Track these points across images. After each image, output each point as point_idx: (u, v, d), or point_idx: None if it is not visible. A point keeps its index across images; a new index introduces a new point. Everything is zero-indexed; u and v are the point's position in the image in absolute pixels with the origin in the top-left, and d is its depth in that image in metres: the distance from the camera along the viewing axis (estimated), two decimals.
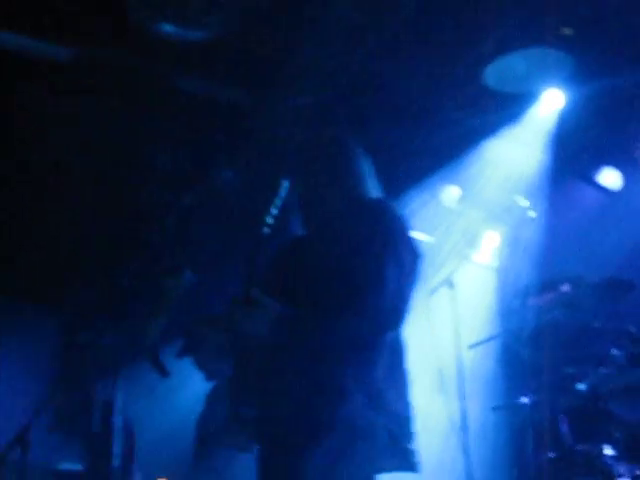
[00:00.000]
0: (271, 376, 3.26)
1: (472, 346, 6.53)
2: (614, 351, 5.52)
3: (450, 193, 8.40)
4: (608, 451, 5.24)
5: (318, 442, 3.12)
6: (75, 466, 7.00)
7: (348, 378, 3.21)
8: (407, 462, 3.31)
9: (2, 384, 7.88)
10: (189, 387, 6.76)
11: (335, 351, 3.22)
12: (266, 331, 3.10)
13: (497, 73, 6.95)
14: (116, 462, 3.79)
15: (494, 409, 6.75)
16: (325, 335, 3.20)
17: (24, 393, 7.67)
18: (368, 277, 3.22)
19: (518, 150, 7.79)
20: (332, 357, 3.21)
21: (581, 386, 5.60)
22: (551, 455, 5.57)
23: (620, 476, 4.92)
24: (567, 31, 6.50)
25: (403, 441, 3.28)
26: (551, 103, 7.47)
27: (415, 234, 8.34)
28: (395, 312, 3.29)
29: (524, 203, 7.68)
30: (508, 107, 7.56)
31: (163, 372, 3.52)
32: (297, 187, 3.44)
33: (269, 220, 3.21)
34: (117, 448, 3.81)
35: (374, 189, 3.70)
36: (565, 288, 5.84)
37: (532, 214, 7.72)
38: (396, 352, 3.46)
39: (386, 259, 3.28)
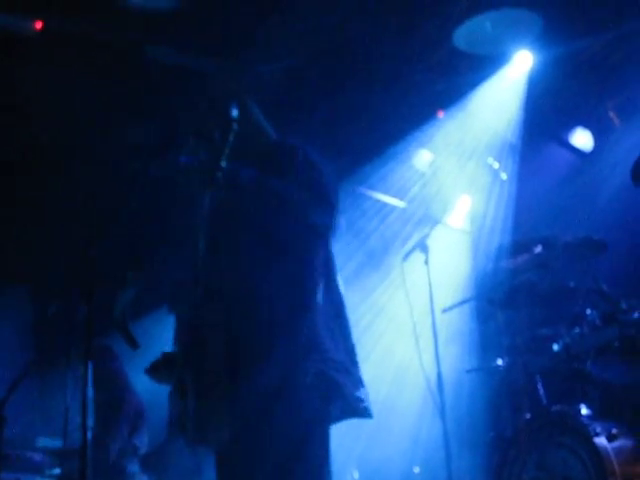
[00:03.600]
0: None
1: (446, 310, 6.54)
2: (588, 311, 5.54)
3: (422, 157, 8.39)
4: (584, 410, 5.26)
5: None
6: (53, 442, 6.98)
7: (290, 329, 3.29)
8: (355, 409, 3.33)
9: None
10: None
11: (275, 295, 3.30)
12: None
13: (467, 35, 6.93)
14: (90, 435, 3.75)
15: (469, 372, 6.79)
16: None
17: None
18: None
19: (489, 112, 7.77)
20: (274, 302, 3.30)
21: (556, 347, 5.62)
22: (527, 416, 5.59)
23: (596, 435, 4.94)
24: None
25: (348, 388, 3.30)
26: (521, 65, 7.46)
27: (385, 197, 8.38)
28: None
29: (495, 165, 7.68)
30: (478, 69, 7.54)
31: (133, 344, 3.48)
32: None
33: (223, 164, 3.21)
34: (91, 421, 3.77)
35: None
36: (538, 249, 5.84)
37: (504, 176, 7.73)
38: (334, 304, 3.49)
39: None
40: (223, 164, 3.16)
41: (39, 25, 6.28)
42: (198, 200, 3.20)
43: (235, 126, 3.28)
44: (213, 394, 3.23)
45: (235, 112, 3.32)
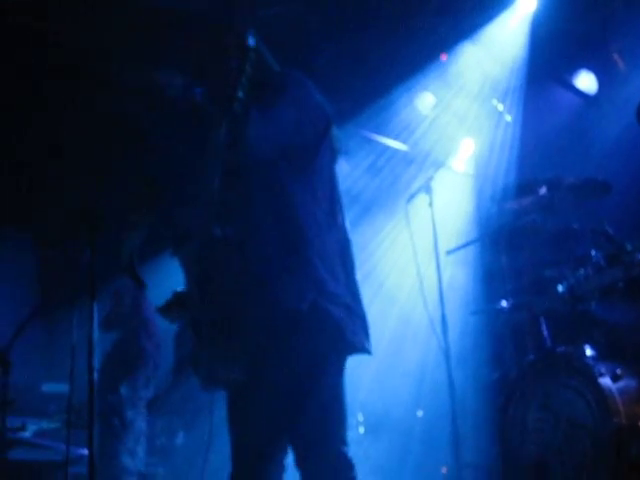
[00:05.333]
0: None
1: (450, 252, 6.54)
2: (592, 252, 5.53)
3: (425, 100, 8.34)
4: (588, 351, 5.28)
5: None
6: (59, 386, 7.02)
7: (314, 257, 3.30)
8: (351, 343, 3.34)
9: None
10: None
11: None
12: None
13: None
14: (96, 376, 3.77)
15: (473, 313, 6.80)
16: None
17: (3, 314, 7.64)
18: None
19: (493, 54, 7.72)
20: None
21: (560, 288, 5.61)
22: (531, 357, 5.61)
23: (601, 375, 4.96)
24: None
25: (344, 321, 3.30)
26: (526, 6, 7.39)
27: (388, 140, 8.37)
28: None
29: (500, 107, 7.65)
30: (482, 11, 7.47)
31: (140, 283, 3.49)
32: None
33: (240, 94, 3.18)
34: (97, 362, 3.78)
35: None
36: (542, 191, 5.84)
37: (508, 118, 7.69)
38: (339, 240, 3.50)
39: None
40: (240, 94, 3.14)
41: None
42: (215, 132, 3.18)
43: (252, 55, 3.26)
44: (224, 333, 3.23)
45: (252, 41, 3.29)
